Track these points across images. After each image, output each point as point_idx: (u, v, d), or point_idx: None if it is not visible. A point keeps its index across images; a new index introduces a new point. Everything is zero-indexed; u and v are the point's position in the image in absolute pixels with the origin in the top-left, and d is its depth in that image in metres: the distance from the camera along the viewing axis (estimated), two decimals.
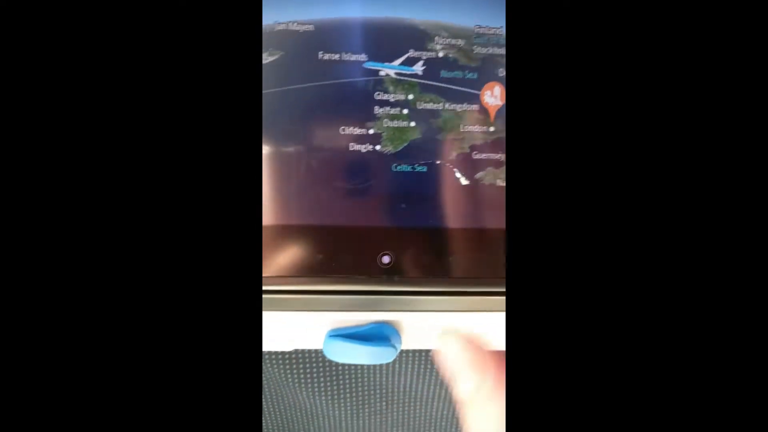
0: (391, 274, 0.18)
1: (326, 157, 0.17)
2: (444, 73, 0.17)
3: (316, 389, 0.34)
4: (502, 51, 0.17)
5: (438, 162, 0.17)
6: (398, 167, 0.17)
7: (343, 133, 0.17)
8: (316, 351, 0.30)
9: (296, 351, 0.31)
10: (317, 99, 0.17)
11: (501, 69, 0.17)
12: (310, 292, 0.19)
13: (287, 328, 0.24)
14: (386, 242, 0.18)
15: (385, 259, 0.18)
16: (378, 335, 0.23)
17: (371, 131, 0.17)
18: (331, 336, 0.23)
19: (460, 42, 0.17)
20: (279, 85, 0.17)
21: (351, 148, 0.17)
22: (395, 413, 0.36)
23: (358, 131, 0.17)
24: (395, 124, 0.17)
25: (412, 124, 0.17)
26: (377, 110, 0.17)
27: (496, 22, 0.17)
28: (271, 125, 0.17)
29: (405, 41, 0.17)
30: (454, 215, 0.18)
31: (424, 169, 0.17)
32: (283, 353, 0.31)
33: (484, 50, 0.17)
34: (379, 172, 0.17)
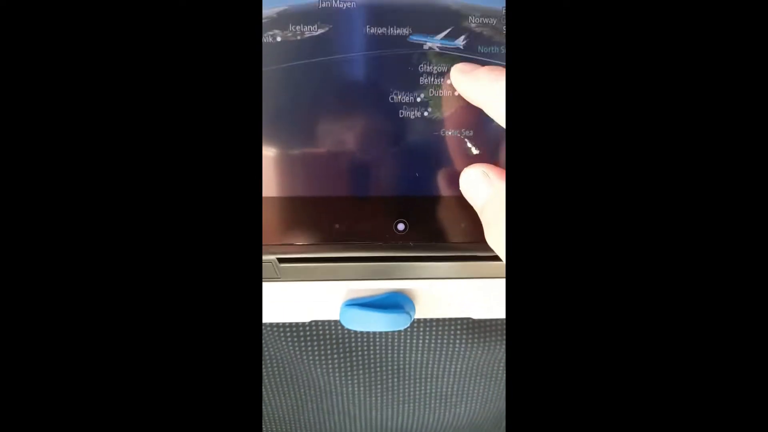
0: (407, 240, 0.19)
1: (376, 124, 0.18)
2: (481, 48, 0.18)
3: (330, 365, 0.33)
4: None
5: (478, 130, 0.18)
6: (446, 132, 0.18)
7: (392, 101, 0.18)
8: (332, 323, 0.30)
9: (314, 322, 0.30)
10: (364, 69, 0.18)
11: None
12: (330, 260, 0.20)
13: (306, 299, 0.24)
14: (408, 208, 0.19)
15: (400, 227, 0.19)
16: (393, 303, 0.23)
17: (419, 98, 0.18)
18: (347, 305, 0.23)
19: (493, 21, 0.18)
20: (326, 55, 0.18)
21: (401, 115, 0.18)
22: (406, 389, 0.36)
23: (406, 98, 0.18)
24: (440, 93, 0.18)
25: (456, 93, 0.18)
26: (422, 80, 0.18)
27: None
28: (317, 95, 0.18)
29: (444, 18, 0.18)
30: None
31: (470, 133, 0.18)
32: (301, 325, 0.30)
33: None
34: (429, 136, 0.18)
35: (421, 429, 0.39)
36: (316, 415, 0.38)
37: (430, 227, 0.19)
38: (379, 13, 0.18)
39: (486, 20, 0.18)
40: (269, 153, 0.18)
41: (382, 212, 0.19)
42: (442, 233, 0.19)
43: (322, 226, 0.19)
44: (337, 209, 0.18)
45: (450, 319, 0.31)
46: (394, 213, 0.19)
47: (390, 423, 0.39)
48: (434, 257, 0.20)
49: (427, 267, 0.21)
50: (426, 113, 0.18)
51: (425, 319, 0.30)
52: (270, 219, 0.18)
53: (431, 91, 0.18)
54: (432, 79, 0.18)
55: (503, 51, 0.19)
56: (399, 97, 0.18)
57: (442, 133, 0.18)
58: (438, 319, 0.31)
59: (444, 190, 0.19)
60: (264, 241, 0.19)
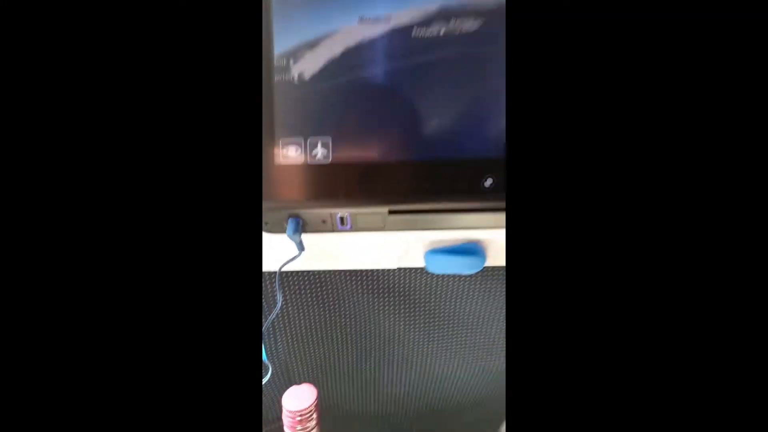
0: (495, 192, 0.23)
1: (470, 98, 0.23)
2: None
3: (396, 314, 0.38)
4: None
5: None
6: None
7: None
8: (413, 270, 0.35)
9: (399, 269, 0.35)
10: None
11: None
12: (418, 212, 0.25)
13: (394, 248, 0.29)
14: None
15: (488, 182, 0.23)
16: (469, 251, 0.29)
17: None
18: (431, 252, 0.29)
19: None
20: (482, 46, 0.22)
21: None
22: (461, 336, 0.41)
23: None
24: None
25: None
26: None
27: None
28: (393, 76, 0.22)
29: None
30: None
31: None
32: (378, 275, 0.35)
33: None
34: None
35: (469, 377, 0.45)
36: (377, 364, 0.43)
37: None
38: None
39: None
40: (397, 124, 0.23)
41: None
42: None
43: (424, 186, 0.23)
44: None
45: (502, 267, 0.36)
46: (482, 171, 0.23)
47: (441, 371, 0.44)
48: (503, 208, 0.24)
49: (498, 217, 0.25)
50: None
51: (489, 267, 0.36)
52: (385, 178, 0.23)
53: None
54: None
55: None
56: None
57: None
58: (498, 267, 0.36)
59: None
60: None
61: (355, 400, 0.47)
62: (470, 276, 0.35)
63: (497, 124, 0.23)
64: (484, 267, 0.30)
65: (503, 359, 0.44)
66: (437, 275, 0.35)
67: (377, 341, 0.41)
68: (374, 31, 0.22)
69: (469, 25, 0.22)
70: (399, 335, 0.40)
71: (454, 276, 0.35)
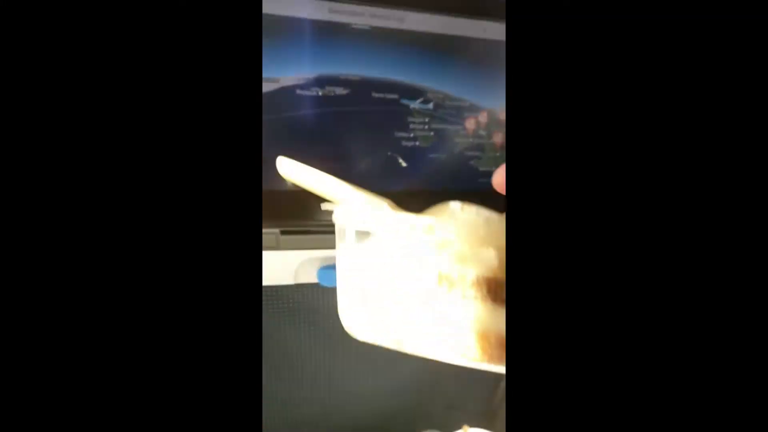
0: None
1: (384, 151, 0.31)
2: (439, 111, 0.33)
3: (300, 330, 0.43)
4: (464, 104, 0.34)
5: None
6: (431, 155, 0.32)
7: (395, 136, 0.31)
8: (310, 286, 0.39)
9: (296, 285, 0.39)
10: (375, 118, 0.31)
11: (466, 113, 0.34)
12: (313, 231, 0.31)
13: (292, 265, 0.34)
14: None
15: None
16: None
17: (411, 135, 0.31)
18: (323, 269, 0.35)
19: (440, 96, 0.33)
20: (348, 106, 0.30)
21: (402, 144, 0.31)
22: (362, 350, 0.45)
23: (403, 135, 0.31)
24: (423, 133, 0.32)
25: (431, 133, 0.32)
26: (411, 125, 0.32)
27: (454, 90, 0.33)
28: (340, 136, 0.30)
29: (416, 92, 0.32)
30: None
31: (444, 155, 0.32)
32: (282, 291, 0.40)
33: (455, 103, 0.33)
34: (419, 157, 0.32)
35: (375, 391, 0.50)
36: (288, 384, 0.45)
37: None
38: (378, 86, 0.31)
39: (436, 95, 0.33)
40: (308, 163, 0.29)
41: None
42: None
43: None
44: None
45: None
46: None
47: (350, 387, 0.48)
48: None
49: None
50: (417, 143, 0.32)
51: None
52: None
53: (418, 131, 0.32)
54: (417, 124, 0.32)
55: (452, 113, 0.33)
56: (399, 134, 0.31)
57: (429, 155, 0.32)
58: None
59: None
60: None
61: (270, 421, 0.49)
62: None
63: (365, 164, 0.30)
64: None
65: (407, 372, 0.49)
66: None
67: (285, 360, 0.44)
68: (267, 87, 0.29)
69: (339, 90, 0.30)
70: (305, 351, 0.44)
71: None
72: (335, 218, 0.21)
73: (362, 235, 0.20)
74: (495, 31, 0.33)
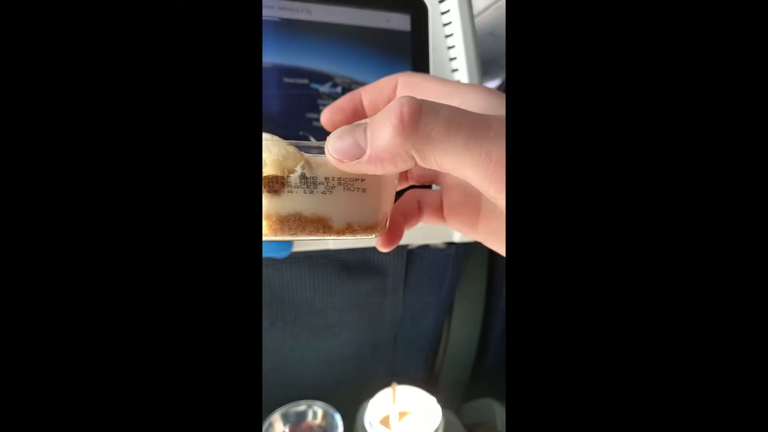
0: None
1: (296, 131, 0.34)
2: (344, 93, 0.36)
3: None
4: None
5: None
6: None
7: (307, 117, 0.34)
8: None
9: None
10: (287, 100, 0.34)
11: None
12: None
13: None
14: None
15: None
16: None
17: None
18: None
19: (347, 80, 0.37)
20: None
21: (313, 124, 0.34)
22: (302, 322, 0.48)
23: (314, 116, 0.35)
24: None
25: None
26: (321, 107, 0.35)
27: (360, 75, 0.37)
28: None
29: (324, 77, 0.36)
30: None
31: None
32: None
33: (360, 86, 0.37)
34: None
35: (318, 358, 0.52)
36: None
37: None
38: (291, 71, 0.34)
39: (343, 80, 0.36)
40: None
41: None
42: None
43: None
44: None
45: (327, 258, 0.45)
46: None
47: (291, 354, 0.51)
48: None
49: None
50: None
51: (299, 252, 0.43)
52: None
53: None
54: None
55: None
56: (309, 115, 0.35)
57: None
58: (318, 256, 0.45)
59: None
60: None
61: None
62: (297, 263, 0.44)
63: None
64: (293, 252, 0.39)
65: (345, 337, 0.52)
66: (275, 268, 0.43)
67: None
68: None
69: None
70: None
71: (287, 265, 0.44)
72: None
73: None
74: (398, 21, 0.37)
